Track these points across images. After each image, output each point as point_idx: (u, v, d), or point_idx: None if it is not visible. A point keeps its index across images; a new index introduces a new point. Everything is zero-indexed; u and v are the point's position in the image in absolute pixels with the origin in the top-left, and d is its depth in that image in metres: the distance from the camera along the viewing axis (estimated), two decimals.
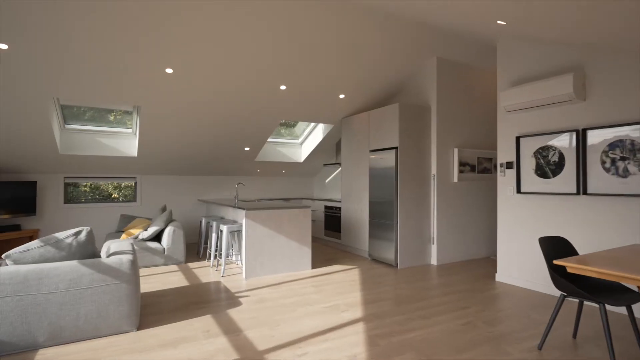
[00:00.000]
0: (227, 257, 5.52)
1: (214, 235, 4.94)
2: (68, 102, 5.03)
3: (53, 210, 5.92)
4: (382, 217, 5.17)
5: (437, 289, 3.93)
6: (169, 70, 4.26)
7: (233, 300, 3.56)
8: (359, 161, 5.76)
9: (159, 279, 4.35)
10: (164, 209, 5.92)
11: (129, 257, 2.84)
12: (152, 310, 3.27)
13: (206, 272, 4.69)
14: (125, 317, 2.77)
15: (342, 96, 5.55)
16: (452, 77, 5.29)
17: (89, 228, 2.82)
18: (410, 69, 5.26)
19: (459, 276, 4.49)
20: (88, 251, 2.82)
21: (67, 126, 5.46)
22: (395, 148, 5.00)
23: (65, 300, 2.57)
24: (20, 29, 3.32)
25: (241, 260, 4.53)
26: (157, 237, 5.43)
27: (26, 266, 2.51)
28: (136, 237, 5.28)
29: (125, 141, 5.87)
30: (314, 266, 5.00)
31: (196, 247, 6.45)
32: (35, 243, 2.66)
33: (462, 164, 5.31)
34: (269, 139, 7.01)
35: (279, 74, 4.69)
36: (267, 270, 4.51)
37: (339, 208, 6.31)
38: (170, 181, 6.84)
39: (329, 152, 7.33)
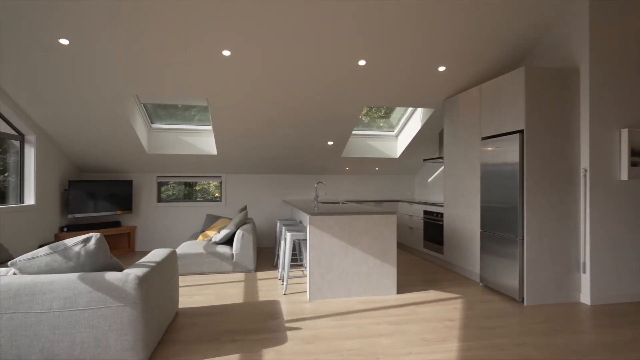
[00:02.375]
0: (303, 268, 4.79)
1: (282, 243, 4.24)
2: (147, 100, 4.99)
3: (147, 208, 6.12)
4: (499, 229, 3.71)
5: (597, 353, 2.41)
6: (226, 53, 3.70)
7: (278, 333, 2.74)
8: (467, 154, 4.35)
9: (217, 290, 3.85)
10: (242, 210, 5.54)
11: (138, 273, 2.27)
12: (180, 337, 2.68)
13: (271, 286, 4.01)
14: (129, 350, 2.20)
15: (442, 69, 4.25)
16: (616, 21, 3.48)
17: (98, 235, 2.35)
18: (544, 17, 3.66)
19: (636, 330, 2.79)
20: (98, 262, 2.34)
21: (154, 125, 5.51)
22: (520, 132, 3.50)
23: (59, 322, 2.12)
24: (87, 27, 3.14)
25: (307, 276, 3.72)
26: (231, 241, 5.04)
27: (19, 278, 2.14)
28: (210, 240, 4.97)
29: (207, 139, 5.68)
30: (401, 290, 3.86)
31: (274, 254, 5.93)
32: (43, 250, 2.29)
33: (635, 152, 3.47)
34: (357, 132, 6.07)
35: (356, 44, 3.71)
36: (336, 292, 3.59)
37: (441, 214, 4.97)
38: (254, 180, 6.50)
39: (430, 144, 5.99)
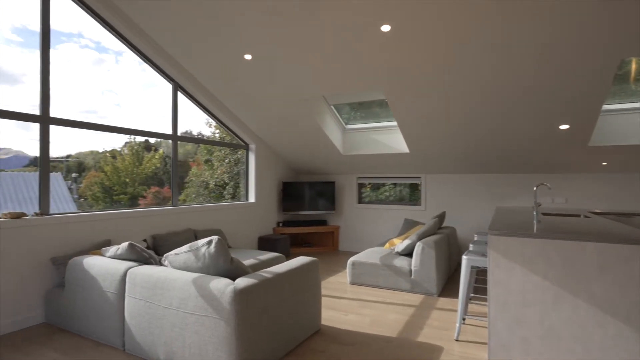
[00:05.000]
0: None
1: None
2: (334, 101, 4.97)
3: (348, 209, 6.20)
4: None
5: None
6: (386, 28, 3.07)
7: None
8: None
9: (378, 311, 3.25)
10: (436, 217, 4.64)
11: (239, 285, 2.06)
12: None
13: (447, 321, 3.03)
14: None
15: None
16: None
17: (217, 238, 2.31)
18: None
19: None
20: (219, 266, 2.30)
21: (348, 127, 5.48)
22: None
23: (176, 320, 2.18)
24: (262, 39, 3.42)
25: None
26: None
27: (159, 272, 2.35)
28: (393, 249, 4.41)
29: (397, 136, 5.13)
30: None
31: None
32: (184, 248, 2.47)
33: None
34: (611, 106, 3.91)
35: None
36: (536, 357, 2.25)
37: None
38: (461, 181, 5.37)
39: None
